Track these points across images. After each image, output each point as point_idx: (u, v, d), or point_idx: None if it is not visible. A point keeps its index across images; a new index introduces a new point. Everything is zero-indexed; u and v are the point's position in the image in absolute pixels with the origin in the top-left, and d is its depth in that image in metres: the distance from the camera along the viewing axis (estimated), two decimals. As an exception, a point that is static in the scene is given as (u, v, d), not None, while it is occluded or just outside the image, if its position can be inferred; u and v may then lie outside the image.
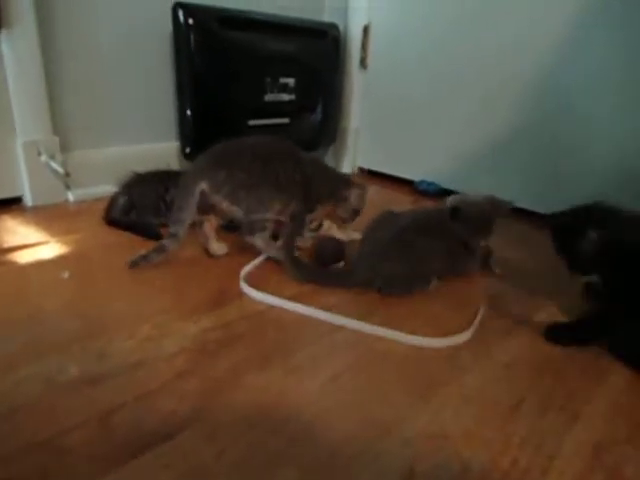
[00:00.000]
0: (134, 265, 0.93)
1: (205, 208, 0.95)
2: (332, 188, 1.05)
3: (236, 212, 0.95)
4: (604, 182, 1.23)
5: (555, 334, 0.80)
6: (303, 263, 0.96)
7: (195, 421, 0.58)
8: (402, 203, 1.54)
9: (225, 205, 0.93)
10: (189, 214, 0.93)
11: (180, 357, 0.70)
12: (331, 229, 1.15)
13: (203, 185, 0.92)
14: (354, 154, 1.89)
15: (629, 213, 0.79)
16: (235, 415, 0.60)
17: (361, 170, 1.90)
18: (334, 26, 1.66)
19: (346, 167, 1.90)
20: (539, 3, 1.30)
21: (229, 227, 1.17)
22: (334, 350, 0.75)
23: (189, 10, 1.30)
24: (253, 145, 0.98)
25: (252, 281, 0.92)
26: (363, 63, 1.74)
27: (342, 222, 1.10)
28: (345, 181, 1.08)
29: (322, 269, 0.99)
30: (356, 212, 1.07)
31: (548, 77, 1.32)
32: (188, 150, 1.44)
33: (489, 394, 0.66)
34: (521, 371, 0.72)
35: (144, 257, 0.94)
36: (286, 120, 1.60)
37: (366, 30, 1.69)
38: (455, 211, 0.96)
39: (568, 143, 1.31)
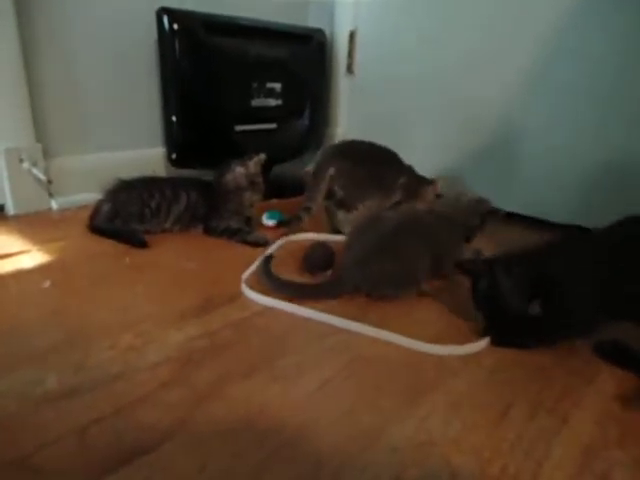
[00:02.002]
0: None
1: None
2: (419, 187, 1.26)
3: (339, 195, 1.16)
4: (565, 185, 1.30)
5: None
6: (282, 280, 0.91)
7: (177, 433, 0.56)
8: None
9: (336, 188, 1.15)
10: (320, 193, 1.15)
11: (163, 367, 0.68)
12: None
13: (331, 171, 1.13)
14: (342, 159, 1.88)
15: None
16: (218, 427, 0.58)
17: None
18: (320, 31, 1.66)
19: (334, 172, 1.89)
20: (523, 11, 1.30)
21: (212, 230, 1.16)
22: (321, 357, 0.73)
23: (174, 15, 1.29)
24: (370, 148, 1.22)
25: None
26: (349, 69, 1.73)
27: None
28: (422, 180, 1.28)
29: (304, 284, 0.94)
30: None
31: (536, 83, 1.33)
32: (174, 156, 1.42)
33: (477, 399, 0.65)
34: (509, 375, 0.71)
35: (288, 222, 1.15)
36: (273, 125, 1.59)
37: (352, 36, 1.68)
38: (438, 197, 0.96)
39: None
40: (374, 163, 1.20)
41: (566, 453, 0.57)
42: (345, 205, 1.18)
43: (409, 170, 1.27)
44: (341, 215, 1.19)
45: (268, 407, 0.62)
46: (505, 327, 0.79)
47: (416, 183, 1.27)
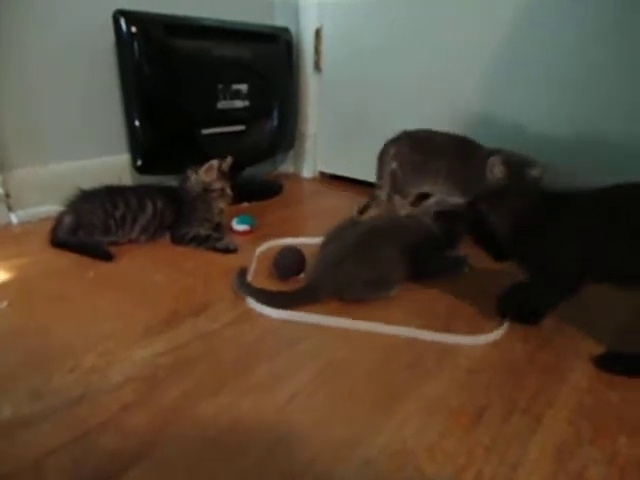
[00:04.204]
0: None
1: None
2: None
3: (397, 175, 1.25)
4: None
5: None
6: (259, 290, 0.88)
7: (141, 460, 0.54)
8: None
9: (394, 168, 1.24)
10: (388, 174, 1.25)
11: (126, 388, 0.65)
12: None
13: (392, 151, 1.24)
14: (314, 159, 1.86)
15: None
16: (185, 449, 0.56)
17: (322, 175, 1.88)
18: (286, 30, 1.63)
19: (307, 172, 1.87)
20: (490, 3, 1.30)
21: (180, 238, 1.13)
22: (292, 365, 0.72)
23: (131, 18, 1.24)
24: (438, 137, 1.24)
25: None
26: (317, 66, 1.71)
27: None
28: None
29: (281, 292, 0.90)
30: None
31: (499, 75, 1.33)
32: (140, 162, 1.38)
33: (452, 403, 0.64)
34: (484, 376, 0.70)
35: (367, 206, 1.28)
36: (242, 127, 1.55)
37: (318, 33, 1.66)
38: (440, 215, 0.98)
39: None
40: (435, 153, 1.23)
41: (541, 454, 0.56)
42: (399, 191, 1.26)
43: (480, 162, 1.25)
44: (397, 200, 1.27)
45: (238, 424, 0.60)
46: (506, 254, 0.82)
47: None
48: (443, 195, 1.25)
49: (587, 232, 0.73)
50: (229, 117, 1.51)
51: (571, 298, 0.77)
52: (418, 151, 1.23)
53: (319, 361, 0.73)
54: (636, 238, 0.68)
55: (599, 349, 0.76)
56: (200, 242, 1.11)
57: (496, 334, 0.79)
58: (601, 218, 0.72)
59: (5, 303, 0.85)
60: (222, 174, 1.18)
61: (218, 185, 1.16)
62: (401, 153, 1.24)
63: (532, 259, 0.79)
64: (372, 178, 1.66)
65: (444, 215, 0.99)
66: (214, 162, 1.15)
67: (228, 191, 1.17)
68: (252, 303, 0.86)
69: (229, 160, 1.20)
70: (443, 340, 0.78)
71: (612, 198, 0.73)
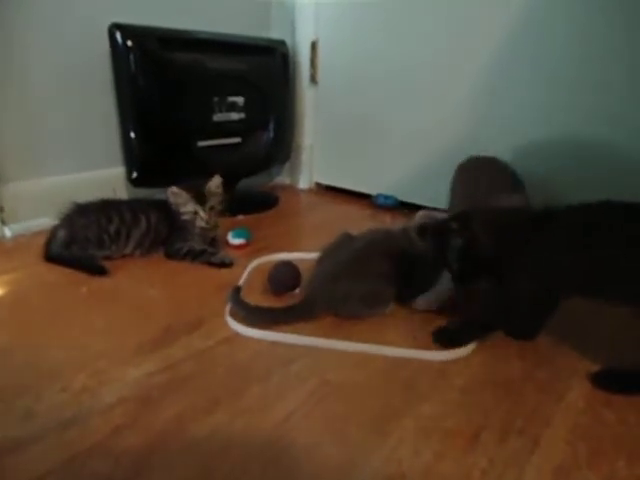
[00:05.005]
0: None
1: None
2: None
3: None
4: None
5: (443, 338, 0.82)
6: (254, 307, 0.87)
7: (132, 484, 0.53)
8: (360, 217, 1.52)
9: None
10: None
11: (118, 409, 0.64)
12: None
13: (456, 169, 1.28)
14: (310, 170, 1.86)
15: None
16: (177, 474, 0.55)
17: (318, 186, 1.88)
18: (282, 42, 1.64)
19: (303, 184, 1.87)
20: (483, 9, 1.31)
21: (175, 253, 1.12)
22: (286, 385, 0.71)
23: (127, 31, 1.25)
24: (482, 166, 1.24)
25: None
26: (313, 79, 1.72)
27: None
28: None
29: (276, 308, 0.88)
30: None
31: (493, 90, 1.33)
32: (135, 175, 1.37)
33: (448, 423, 0.64)
34: (480, 395, 0.69)
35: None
36: (237, 140, 1.55)
37: (314, 46, 1.67)
38: (422, 229, 0.93)
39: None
40: (470, 180, 1.24)
41: (538, 477, 0.55)
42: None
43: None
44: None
45: (232, 444, 0.59)
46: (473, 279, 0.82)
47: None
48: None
49: (572, 247, 0.72)
50: (225, 129, 1.51)
51: (555, 311, 0.79)
52: (464, 174, 1.27)
53: (311, 381, 0.72)
54: (623, 254, 0.68)
55: (596, 366, 0.75)
56: (195, 257, 1.10)
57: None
58: (586, 233, 0.72)
59: (-4, 320, 0.84)
60: (198, 196, 1.11)
61: (189, 208, 1.11)
62: (457, 172, 1.29)
63: (516, 275, 0.77)
64: (368, 189, 1.68)
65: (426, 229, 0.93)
66: (174, 189, 1.10)
67: (202, 214, 1.11)
68: (234, 325, 0.85)
69: (216, 180, 1.14)
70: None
71: (597, 214, 0.73)
